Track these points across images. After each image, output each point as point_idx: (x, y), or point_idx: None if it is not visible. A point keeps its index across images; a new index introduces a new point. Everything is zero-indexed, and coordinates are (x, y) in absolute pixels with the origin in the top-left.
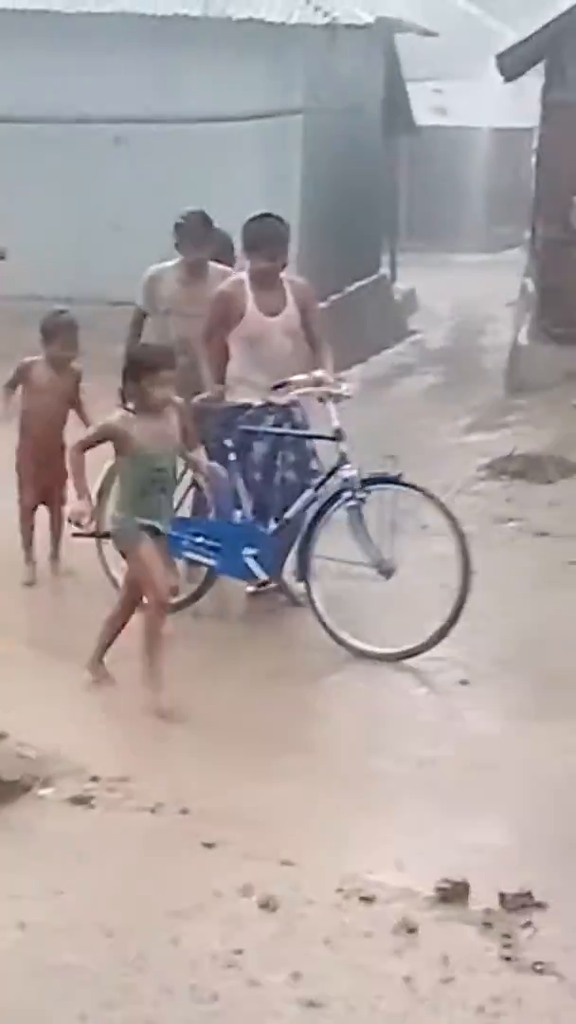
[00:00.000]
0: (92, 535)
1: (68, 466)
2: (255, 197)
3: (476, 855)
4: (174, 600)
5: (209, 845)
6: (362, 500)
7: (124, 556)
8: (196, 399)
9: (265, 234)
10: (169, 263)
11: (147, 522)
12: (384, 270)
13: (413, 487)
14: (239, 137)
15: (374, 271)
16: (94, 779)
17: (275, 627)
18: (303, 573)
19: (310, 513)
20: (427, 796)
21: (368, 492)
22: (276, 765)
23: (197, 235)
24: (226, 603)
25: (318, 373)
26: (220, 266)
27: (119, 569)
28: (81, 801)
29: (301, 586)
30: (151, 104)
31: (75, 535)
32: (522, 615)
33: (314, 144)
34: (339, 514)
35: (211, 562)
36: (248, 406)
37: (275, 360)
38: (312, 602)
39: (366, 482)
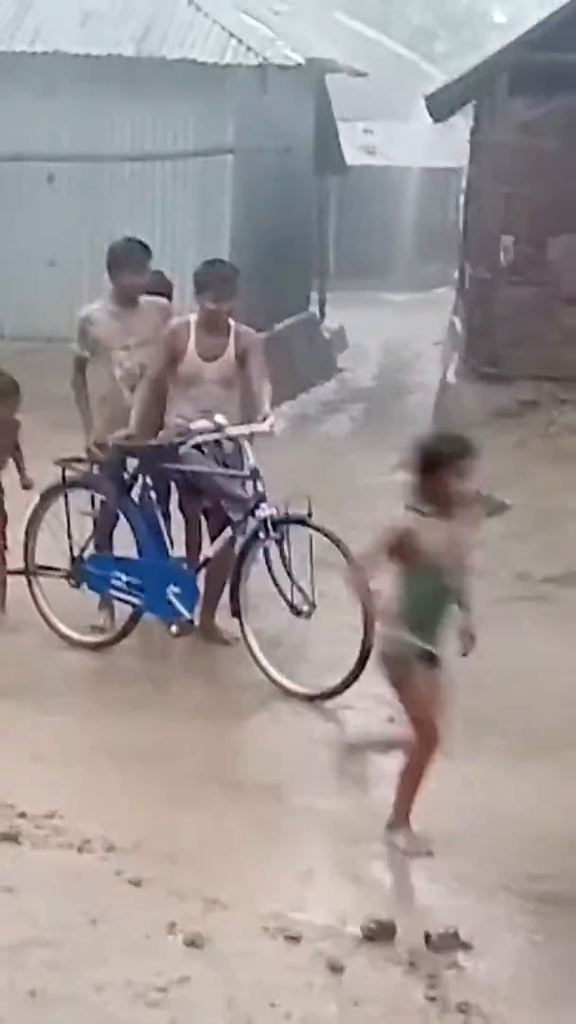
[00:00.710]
0: (22, 572)
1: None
2: (186, 235)
3: (402, 895)
4: (100, 639)
5: (135, 883)
6: (276, 540)
7: (394, 684)
8: (113, 437)
9: (212, 277)
10: (96, 303)
11: (426, 647)
12: (313, 308)
13: (318, 528)
14: (170, 176)
15: (303, 309)
16: (22, 815)
17: (202, 665)
18: (235, 609)
19: (236, 551)
20: (354, 835)
21: (278, 533)
22: (202, 802)
23: (130, 260)
24: (152, 641)
25: (218, 418)
26: (153, 298)
27: (50, 607)
28: (8, 838)
29: (228, 625)
30: (84, 142)
31: (9, 572)
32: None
33: (245, 183)
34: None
35: (136, 600)
36: (161, 447)
37: (205, 403)
38: (244, 638)
39: (276, 523)
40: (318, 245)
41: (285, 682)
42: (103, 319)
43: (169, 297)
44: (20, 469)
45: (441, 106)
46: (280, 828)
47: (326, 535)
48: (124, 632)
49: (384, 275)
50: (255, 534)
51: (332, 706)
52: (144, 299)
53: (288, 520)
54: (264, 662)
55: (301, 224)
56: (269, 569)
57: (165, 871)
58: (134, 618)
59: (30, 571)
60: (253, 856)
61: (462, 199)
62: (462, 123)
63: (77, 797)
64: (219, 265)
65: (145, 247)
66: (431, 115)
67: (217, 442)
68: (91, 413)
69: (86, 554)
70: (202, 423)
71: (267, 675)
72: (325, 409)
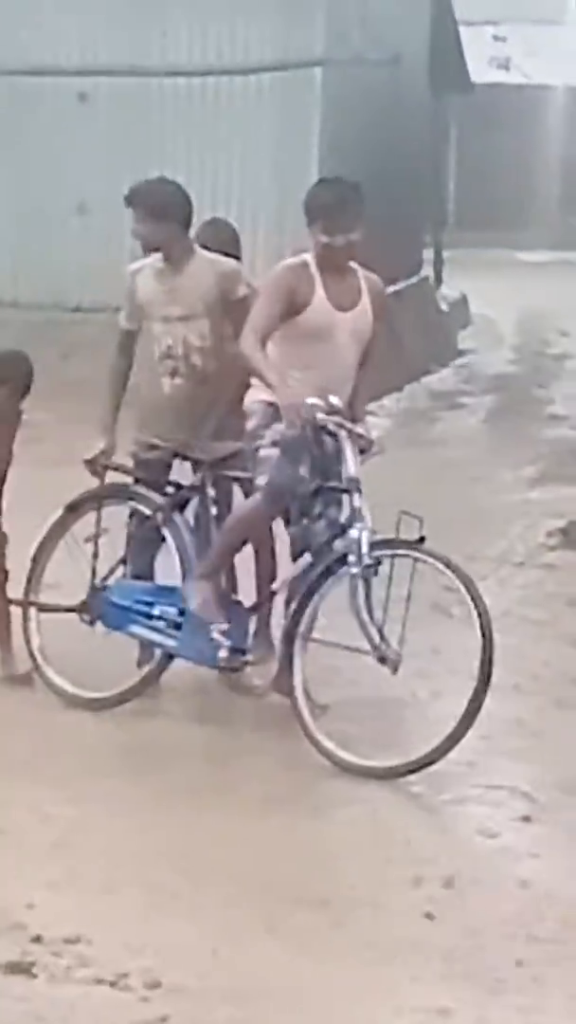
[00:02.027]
0: (21, 603)
1: None
2: (260, 174)
3: None
4: (102, 695)
5: None
6: (370, 569)
7: None
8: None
9: (333, 200)
10: (149, 258)
11: None
12: (427, 271)
13: (432, 555)
14: (240, 96)
15: (414, 272)
16: (36, 939)
17: (270, 735)
18: (288, 660)
19: (304, 582)
20: (474, 970)
21: (378, 561)
22: (277, 925)
23: (154, 202)
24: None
25: (333, 399)
26: (212, 254)
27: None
28: (18, 969)
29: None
30: (126, 53)
31: (9, 602)
32: None
33: (337, 106)
34: (340, 585)
35: (168, 642)
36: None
37: (335, 366)
38: (293, 695)
39: (375, 546)
40: (434, 188)
41: (343, 754)
42: (147, 280)
43: (237, 255)
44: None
45: None
46: (382, 962)
47: (449, 568)
48: (143, 684)
49: (519, 228)
50: (338, 561)
51: (450, 798)
52: (199, 254)
53: (394, 544)
54: (314, 728)
55: (412, 160)
56: (357, 605)
57: (229, 1017)
58: (161, 666)
59: (29, 602)
60: (346, 999)
61: None
62: None
63: (109, 917)
64: (340, 185)
65: (173, 187)
66: None
67: (320, 437)
68: (114, 407)
69: (110, 582)
70: (313, 400)
71: (316, 745)
72: (442, 403)
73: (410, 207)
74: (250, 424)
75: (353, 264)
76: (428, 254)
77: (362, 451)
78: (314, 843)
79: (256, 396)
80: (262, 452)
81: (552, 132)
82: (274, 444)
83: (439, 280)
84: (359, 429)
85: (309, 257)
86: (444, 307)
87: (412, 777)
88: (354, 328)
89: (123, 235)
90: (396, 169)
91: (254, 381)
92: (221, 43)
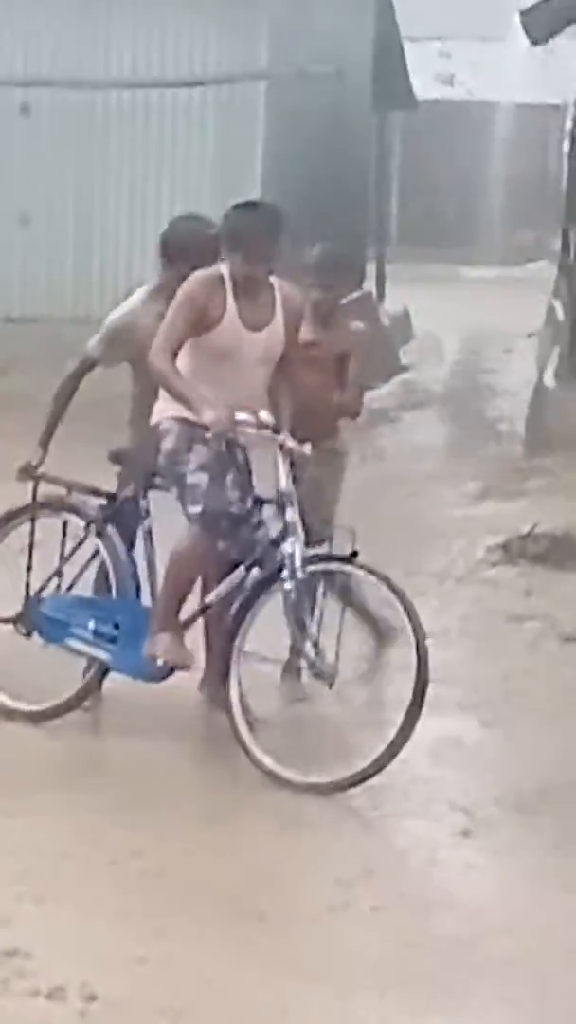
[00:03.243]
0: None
1: None
2: (203, 188)
3: None
4: (42, 707)
5: None
6: (304, 584)
7: None
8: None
9: (247, 227)
10: (137, 297)
11: None
12: (369, 285)
13: (370, 571)
14: (184, 109)
15: (356, 287)
16: None
17: (209, 748)
18: (224, 674)
19: (238, 597)
20: (417, 981)
21: (312, 574)
22: (214, 938)
23: (191, 246)
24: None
25: (263, 415)
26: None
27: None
28: None
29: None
30: (70, 65)
31: None
32: (543, 746)
33: (280, 120)
34: (274, 599)
35: (102, 654)
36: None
37: (242, 385)
38: (230, 711)
39: (309, 560)
40: (377, 203)
41: (280, 770)
42: (153, 328)
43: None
44: None
45: (541, 24)
46: (323, 974)
47: (382, 581)
48: (81, 696)
49: (462, 243)
50: (275, 573)
51: (388, 813)
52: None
53: (327, 558)
54: (251, 743)
55: (355, 175)
56: (290, 620)
57: None
58: (96, 678)
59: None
60: (289, 1012)
61: (566, 145)
62: (567, 46)
63: (47, 929)
64: (259, 211)
65: (206, 224)
66: (528, 35)
67: (236, 453)
68: (55, 425)
69: (44, 594)
70: (243, 415)
71: (253, 760)
72: (382, 419)
73: (352, 221)
74: (166, 444)
75: (271, 279)
76: (371, 269)
77: (292, 463)
78: (252, 857)
79: (166, 412)
80: (189, 479)
81: (496, 148)
82: (201, 468)
83: (381, 295)
84: (292, 443)
85: (225, 270)
86: (386, 322)
87: (351, 792)
88: (265, 348)
89: (65, 247)
90: (339, 184)
91: (162, 396)
92: (165, 56)
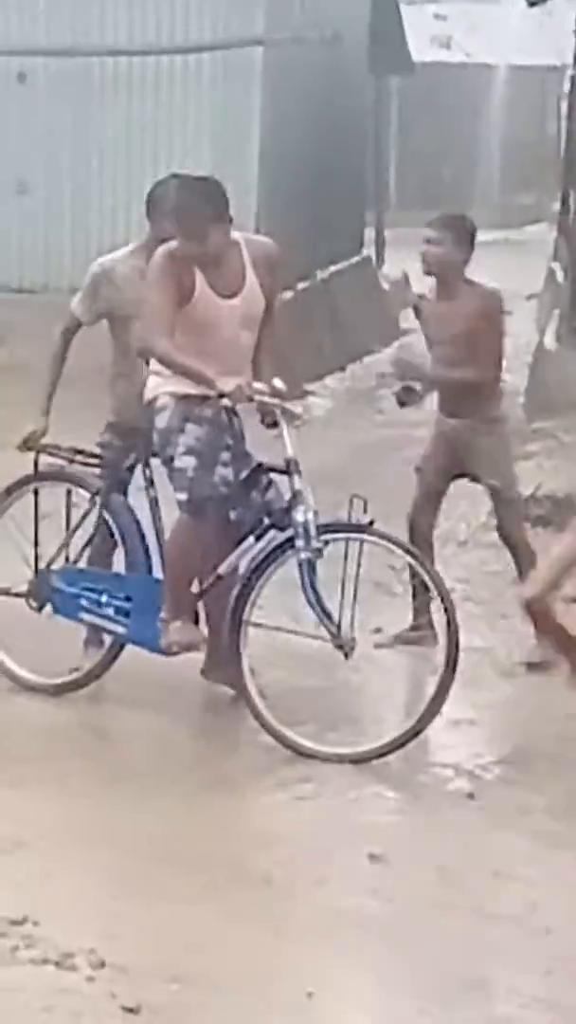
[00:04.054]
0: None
1: None
2: (201, 154)
3: None
4: (64, 679)
5: (131, 1010)
6: (318, 552)
7: None
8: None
9: (183, 207)
10: (120, 252)
11: None
12: (368, 250)
13: (385, 537)
14: (180, 76)
15: (355, 252)
16: None
17: (218, 719)
18: (235, 646)
19: (246, 567)
20: (414, 947)
21: (325, 543)
22: (221, 902)
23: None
24: (146, 685)
25: (277, 382)
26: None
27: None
28: None
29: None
30: (66, 33)
31: None
32: (551, 709)
33: (278, 86)
34: (287, 569)
35: (118, 628)
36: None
37: (229, 353)
38: (243, 683)
39: (323, 529)
40: (375, 167)
41: (303, 741)
42: (132, 280)
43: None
44: None
45: None
46: (322, 940)
47: (404, 550)
48: (99, 669)
49: (461, 207)
50: (283, 545)
51: (393, 776)
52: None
53: (343, 527)
54: (268, 715)
55: (352, 140)
56: (307, 589)
57: (171, 997)
58: (113, 652)
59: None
60: (285, 978)
61: (564, 107)
62: (565, 8)
63: (55, 898)
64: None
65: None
66: None
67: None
68: (52, 392)
69: (54, 567)
70: (259, 384)
71: (272, 732)
72: (384, 383)
73: (351, 187)
74: (160, 422)
75: (235, 238)
76: (369, 234)
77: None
78: (258, 823)
79: (163, 388)
80: (177, 463)
81: (493, 110)
82: (188, 452)
83: (380, 260)
84: (293, 408)
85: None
86: (386, 286)
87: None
88: (243, 313)
89: (63, 216)
90: (337, 149)
91: (156, 369)
92: (161, 23)
